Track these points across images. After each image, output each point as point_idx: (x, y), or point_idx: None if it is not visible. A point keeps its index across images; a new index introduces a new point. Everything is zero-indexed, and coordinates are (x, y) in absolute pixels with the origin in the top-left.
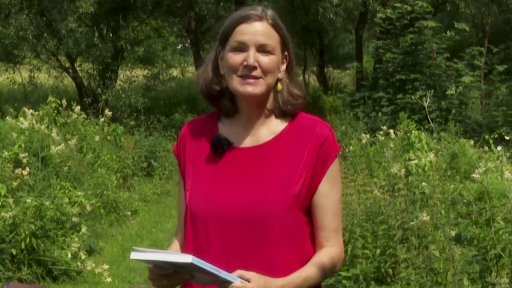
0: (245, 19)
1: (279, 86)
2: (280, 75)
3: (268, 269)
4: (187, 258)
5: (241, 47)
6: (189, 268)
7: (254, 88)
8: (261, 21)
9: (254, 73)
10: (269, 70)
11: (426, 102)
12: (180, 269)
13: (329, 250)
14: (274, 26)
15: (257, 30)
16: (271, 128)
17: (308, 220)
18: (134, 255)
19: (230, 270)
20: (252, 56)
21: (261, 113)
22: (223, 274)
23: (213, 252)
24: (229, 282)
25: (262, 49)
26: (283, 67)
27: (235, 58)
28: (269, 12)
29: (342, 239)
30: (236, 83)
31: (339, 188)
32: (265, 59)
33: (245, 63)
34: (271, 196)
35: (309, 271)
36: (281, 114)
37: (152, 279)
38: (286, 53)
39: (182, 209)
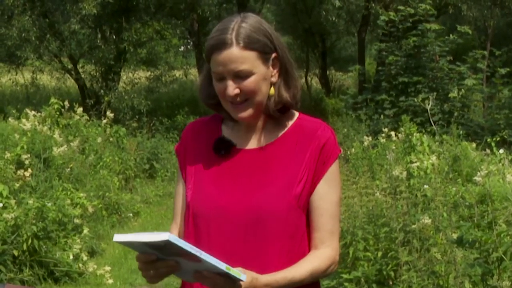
0: (215, 48)
1: (272, 90)
2: (273, 79)
3: (269, 269)
4: (164, 236)
5: (220, 77)
6: (170, 249)
7: (245, 112)
8: (231, 47)
9: (239, 99)
10: (252, 92)
11: (428, 104)
12: (162, 253)
13: (322, 252)
14: (246, 46)
15: (228, 58)
16: (273, 130)
17: (308, 221)
18: (116, 238)
19: None
20: (230, 86)
21: (261, 119)
22: (204, 256)
23: (214, 252)
24: (216, 273)
25: (239, 75)
26: (275, 70)
27: (219, 87)
28: (242, 30)
29: (338, 242)
30: (228, 108)
31: (338, 190)
32: (245, 83)
33: (226, 92)
34: (273, 196)
35: (296, 272)
36: (279, 117)
37: (141, 269)
38: (274, 55)
39: (178, 207)
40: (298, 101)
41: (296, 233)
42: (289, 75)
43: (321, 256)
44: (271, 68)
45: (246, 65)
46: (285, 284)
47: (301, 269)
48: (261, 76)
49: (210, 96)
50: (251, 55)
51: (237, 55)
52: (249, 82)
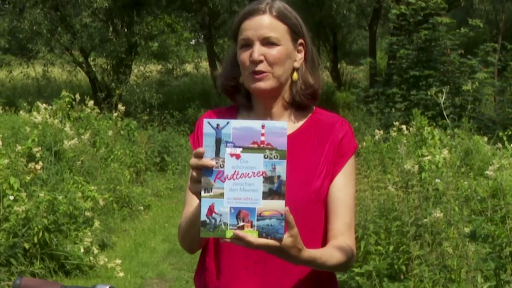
0: (248, 15)
1: (295, 75)
2: (296, 64)
3: (288, 264)
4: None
5: (247, 43)
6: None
7: (264, 83)
8: (264, 14)
9: (261, 67)
10: (275, 62)
11: (442, 98)
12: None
13: (344, 243)
14: (279, 17)
15: (259, 23)
16: (290, 122)
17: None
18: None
19: (248, 264)
20: (257, 50)
21: (278, 106)
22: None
23: (233, 246)
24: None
25: (267, 41)
26: (300, 56)
27: (244, 55)
28: (276, 4)
29: (355, 237)
30: (247, 80)
31: (354, 184)
32: (271, 51)
33: (251, 58)
34: (293, 189)
35: (328, 259)
36: (297, 105)
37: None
38: (301, 41)
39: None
40: (321, 90)
41: (318, 227)
42: (314, 63)
43: (345, 246)
44: (296, 52)
45: (276, 33)
46: (316, 266)
47: (331, 258)
48: (287, 51)
49: (229, 77)
50: (281, 27)
51: (269, 22)
52: (275, 51)
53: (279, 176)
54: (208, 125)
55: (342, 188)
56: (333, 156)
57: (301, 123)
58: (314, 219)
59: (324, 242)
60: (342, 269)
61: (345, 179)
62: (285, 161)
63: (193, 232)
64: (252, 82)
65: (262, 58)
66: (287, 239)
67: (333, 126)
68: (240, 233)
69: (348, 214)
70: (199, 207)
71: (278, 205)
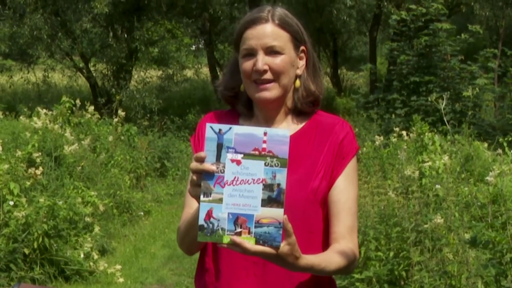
0: (250, 23)
1: (297, 82)
2: (299, 71)
3: None
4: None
5: (251, 53)
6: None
7: (270, 93)
8: (266, 23)
9: (266, 76)
10: (280, 71)
11: (442, 104)
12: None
13: (345, 247)
14: (281, 25)
15: (263, 32)
16: (291, 125)
17: (326, 217)
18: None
19: (247, 264)
20: (261, 60)
21: (281, 114)
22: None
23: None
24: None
25: (270, 50)
26: (302, 62)
27: (247, 64)
28: (277, 12)
29: (357, 240)
30: (251, 90)
31: (355, 187)
32: (275, 61)
33: (254, 68)
34: (291, 189)
35: (327, 265)
36: (298, 111)
37: (193, 170)
38: (303, 47)
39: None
40: (323, 96)
41: (316, 228)
42: (316, 70)
43: (346, 250)
44: (298, 59)
45: (279, 42)
46: (315, 272)
47: (330, 264)
48: (290, 59)
49: (228, 87)
50: (284, 35)
51: (272, 31)
52: (279, 60)
53: (279, 184)
54: (210, 129)
55: (344, 190)
56: (333, 157)
57: (302, 124)
58: (312, 220)
59: (325, 245)
60: (344, 273)
61: (346, 181)
62: (285, 169)
63: (192, 234)
64: (257, 92)
65: (266, 67)
66: (284, 247)
67: (333, 127)
68: (237, 239)
69: (350, 217)
70: (197, 210)
71: (277, 213)
